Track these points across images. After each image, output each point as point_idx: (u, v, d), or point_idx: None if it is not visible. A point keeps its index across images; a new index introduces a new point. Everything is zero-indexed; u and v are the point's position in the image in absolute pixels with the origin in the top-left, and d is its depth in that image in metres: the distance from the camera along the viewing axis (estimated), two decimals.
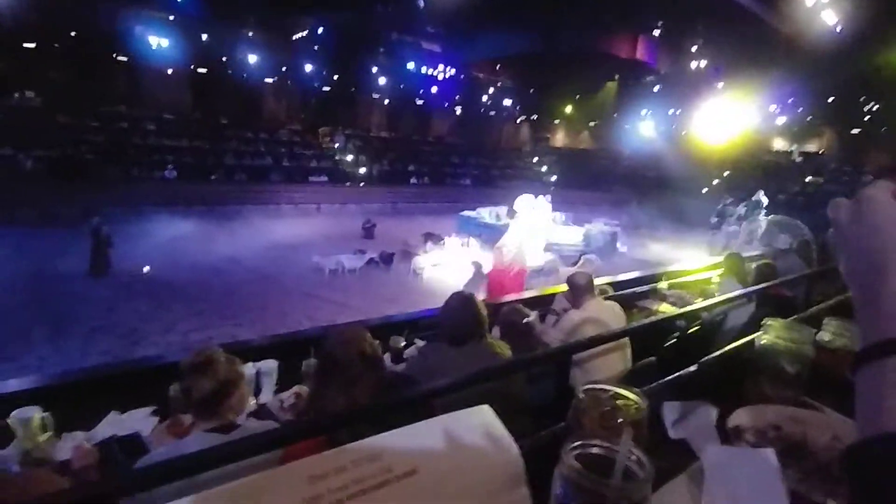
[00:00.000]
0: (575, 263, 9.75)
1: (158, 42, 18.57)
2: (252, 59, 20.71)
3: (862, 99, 23.04)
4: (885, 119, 22.38)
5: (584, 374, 2.89)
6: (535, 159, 31.92)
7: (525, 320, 3.10)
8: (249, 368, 2.40)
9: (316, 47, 21.54)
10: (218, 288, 9.42)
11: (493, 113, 30.64)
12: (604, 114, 30.60)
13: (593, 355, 2.82)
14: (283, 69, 22.33)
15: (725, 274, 4.54)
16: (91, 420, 2.18)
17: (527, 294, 4.91)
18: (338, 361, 1.73)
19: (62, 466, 1.83)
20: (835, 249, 0.50)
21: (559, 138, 35.26)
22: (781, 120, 24.93)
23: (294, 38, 21.44)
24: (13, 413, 1.95)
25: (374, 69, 23.76)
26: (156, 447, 1.88)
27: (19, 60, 17.77)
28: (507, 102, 29.84)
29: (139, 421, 2.21)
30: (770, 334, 0.95)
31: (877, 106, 23.02)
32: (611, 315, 3.23)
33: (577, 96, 30.63)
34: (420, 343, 3.08)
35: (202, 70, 21.35)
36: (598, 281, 3.63)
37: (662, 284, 4.90)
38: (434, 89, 25.91)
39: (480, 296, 6.19)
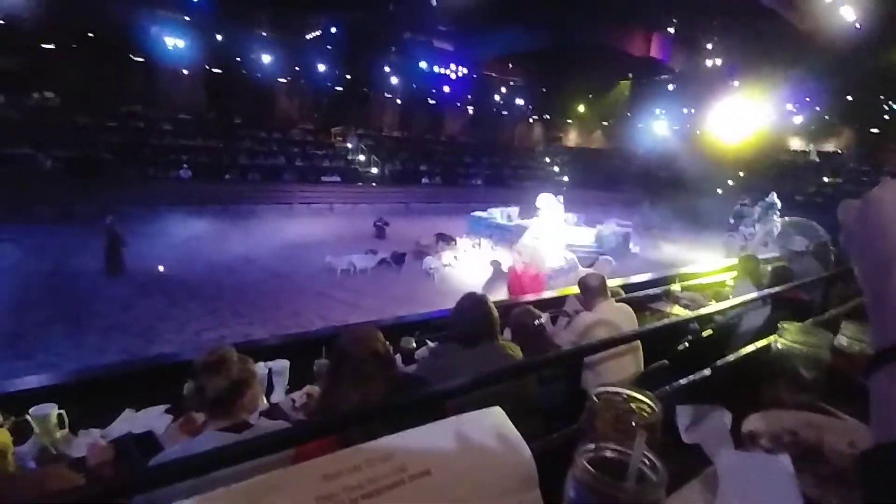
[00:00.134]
0: (591, 265, 9.72)
1: (174, 42, 18.83)
2: (266, 58, 20.91)
3: (881, 97, 22.62)
4: None
5: (596, 376, 2.87)
6: (548, 159, 31.79)
7: (536, 322, 3.08)
8: (261, 368, 2.42)
9: (329, 47, 21.67)
10: (231, 287, 9.51)
11: (505, 112, 30.58)
12: (617, 113, 30.39)
13: (605, 358, 2.81)
14: (297, 69, 22.50)
15: (740, 276, 4.49)
16: (106, 417, 2.21)
17: (538, 296, 4.90)
18: (350, 359, 1.74)
19: (77, 463, 1.86)
20: (846, 252, 0.49)
21: (572, 138, 35.09)
22: (798, 119, 24.55)
23: (307, 37, 21.59)
24: (31, 409, 1.98)
25: (387, 68, 23.84)
26: (169, 445, 1.90)
27: (38, 61, 18.13)
28: (520, 102, 29.78)
29: (154, 419, 2.24)
30: (786, 338, 0.94)
31: None
32: (623, 317, 3.20)
33: (590, 95, 30.45)
34: (431, 344, 3.08)
35: (217, 70, 21.60)
36: (610, 283, 3.61)
37: (675, 286, 4.86)
38: (446, 88, 25.93)
39: (501, 295, 6.23)
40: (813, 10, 14.00)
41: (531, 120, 32.95)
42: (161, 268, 10.19)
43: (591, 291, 3.26)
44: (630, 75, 27.05)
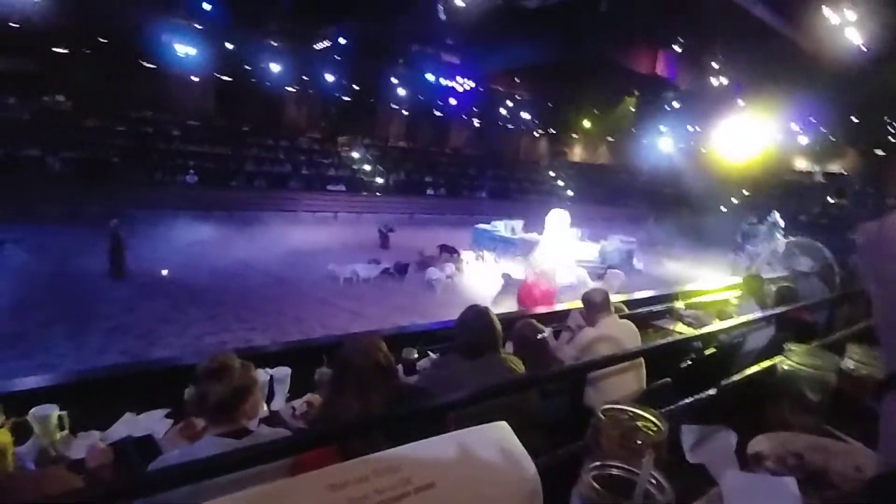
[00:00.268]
0: (600, 277, 9.76)
1: (185, 50, 19.03)
2: (275, 67, 21.10)
3: (887, 119, 22.66)
4: None
5: (598, 392, 2.85)
6: (552, 173, 31.87)
7: (539, 336, 3.08)
8: (263, 374, 2.42)
9: (337, 57, 21.87)
10: (235, 292, 9.53)
11: (510, 126, 30.72)
12: (622, 129, 30.49)
13: (607, 374, 2.79)
14: (305, 78, 22.70)
15: (745, 295, 4.47)
16: (107, 420, 2.21)
17: (541, 309, 4.89)
18: (353, 368, 1.74)
19: (77, 465, 1.85)
20: (860, 273, 0.49)
21: (577, 152, 35.19)
22: (803, 139, 24.58)
23: (316, 48, 21.80)
24: (32, 410, 1.98)
25: (394, 80, 24.03)
26: (168, 450, 1.89)
27: (51, 64, 18.37)
28: (526, 115, 29.91)
29: (154, 422, 2.24)
30: (792, 360, 0.94)
31: None
32: (626, 333, 3.19)
33: (596, 111, 30.58)
34: (433, 355, 3.07)
35: (226, 78, 21.80)
36: (613, 299, 3.60)
37: (679, 304, 4.84)
38: (453, 101, 26.08)
39: (510, 307, 6.25)
40: (819, 31, 14.05)
41: (536, 134, 33.08)
42: (165, 271, 10.22)
43: (595, 307, 3.25)
44: (636, 92, 27.14)
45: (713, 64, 20.39)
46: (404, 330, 3.81)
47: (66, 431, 2.03)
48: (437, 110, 27.61)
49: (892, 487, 0.37)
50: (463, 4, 14.90)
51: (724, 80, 20.64)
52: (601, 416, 0.57)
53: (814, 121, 22.91)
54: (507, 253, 14.05)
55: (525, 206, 23.16)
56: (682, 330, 4.27)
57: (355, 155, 24.64)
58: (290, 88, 23.14)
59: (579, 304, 3.50)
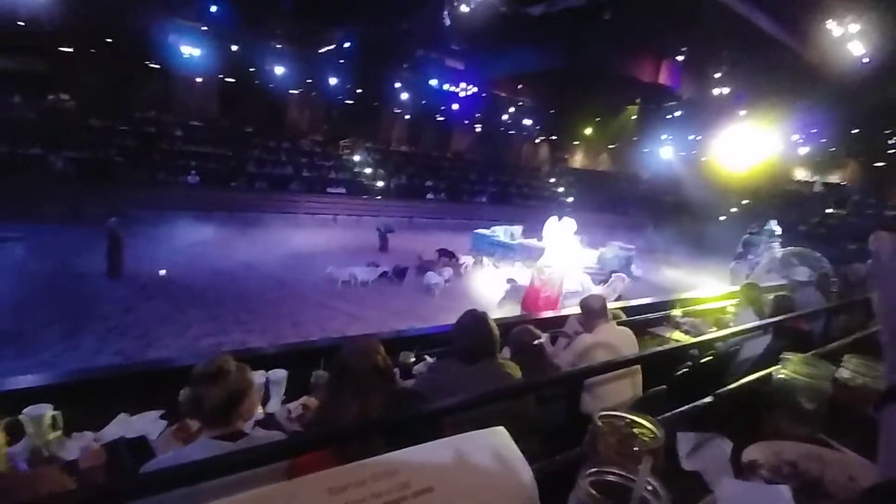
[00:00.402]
0: (604, 282, 9.79)
1: (190, 51, 19.11)
2: (279, 70, 21.18)
3: (887, 131, 22.74)
4: None
5: (594, 398, 2.85)
6: (553, 179, 31.94)
7: (536, 342, 3.07)
8: (259, 377, 2.41)
9: (341, 61, 21.96)
10: (233, 293, 9.52)
11: (512, 132, 30.82)
12: (624, 136, 30.60)
13: (604, 381, 2.79)
14: (309, 81, 22.79)
15: (742, 304, 4.47)
16: (100, 420, 2.19)
17: (539, 315, 4.88)
18: (351, 371, 1.73)
19: (70, 466, 1.84)
20: (869, 281, 0.49)
21: (578, 159, 35.29)
22: (804, 149, 24.68)
23: (321, 51, 21.89)
24: (26, 410, 1.97)
25: (398, 84, 24.13)
26: (162, 451, 1.88)
27: (56, 64, 18.43)
28: (527, 122, 30.02)
29: (148, 423, 2.22)
30: (788, 369, 0.94)
31: None
32: (623, 340, 3.19)
33: (598, 118, 30.70)
34: (430, 359, 3.07)
35: (230, 79, 21.89)
36: (611, 305, 3.60)
37: (676, 312, 4.84)
38: (455, 106, 26.18)
39: (515, 312, 6.29)
40: (821, 43, 14.13)
41: (538, 140, 33.18)
42: (163, 271, 10.22)
43: (592, 313, 3.25)
44: (638, 100, 27.29)
45: (715, 74, 20.51)
46: (402, 334, 3.81)
47: (59, 432, 2.02)
48: (439, 115, 27.70)
49: (891, 498, 0.37)
50: (468, 10, 14.97)
51: (726, 90, 20.75)
52: (598, 422, 0.57)
53: (814, 131, 22.99)
54: (506, 258, 14.05)
55: (525, 211, 23.19)
56: (679, 337, 4.27)
57: (357, 158, 24.69)
58: (293, 91, 23.22)
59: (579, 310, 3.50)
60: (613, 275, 10.00)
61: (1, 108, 16.67)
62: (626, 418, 0.58)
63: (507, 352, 3.02)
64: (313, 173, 22.58)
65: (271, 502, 0.43)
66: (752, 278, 7.02)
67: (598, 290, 8.99)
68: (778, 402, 0.93)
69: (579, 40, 17.98)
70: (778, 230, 14.69)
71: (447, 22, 15.43)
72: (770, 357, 2.46)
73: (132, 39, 18.05)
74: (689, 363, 3.20)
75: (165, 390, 2.27)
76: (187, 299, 8.90)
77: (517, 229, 15.54)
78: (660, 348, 3.12)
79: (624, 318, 3.83)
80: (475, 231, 16.01)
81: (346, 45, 21.10)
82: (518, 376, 2.34)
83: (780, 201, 24.50)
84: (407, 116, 27.56)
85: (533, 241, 13.92)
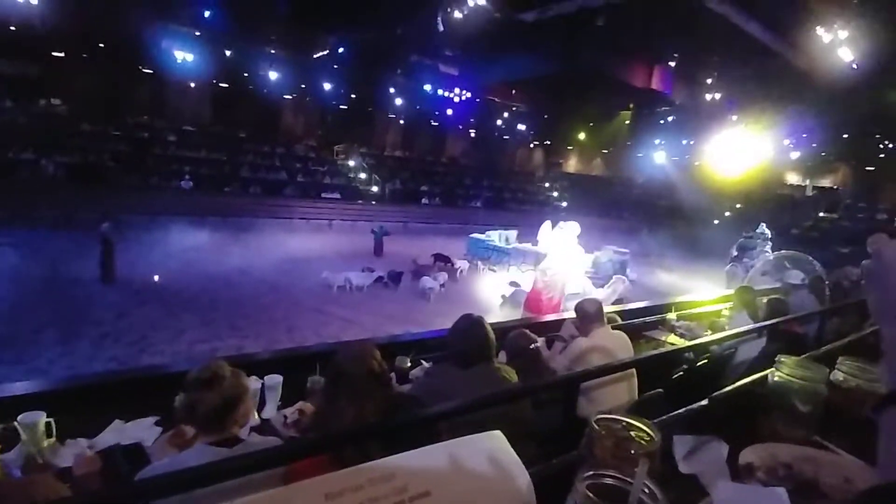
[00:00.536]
0: (605, 283, 9.88)
1: (183, 56, 19.08)
2: (273, 75, 21.18)
3: (877, 136, 22.99)
4: None
5: (589, 402, 2.85)
6: (547, 184, 32.06)
7: (532, 346, 3.07)
8: (254, 382, 2.40)
9: (335, 66, 21.99)
10: (227, 299, 9.48)
11: (507, 137, 30.93)
12: (617, 141, 30.78)
13: (599, 384, 2.79)
14: (303, 86, 22.80)
15: (736, 307, 4.49)
16: (95, 427, 2.18)
17: (535, 319, 4.89)
18: (346, 376, 1.73)
19: (64, 473, 1.83)
20: (866, 282, 0.49)
21: (572, 164, 35.44)
22: (795, 154, 24.91)
23: (314, 56, 21.91)
24: (20, 416, 1.95)
25: (392, 89, 24.18)
26: (157, 458, 1.87)
27: (49, 68, 18.35)
28: (521, 127, 30.14)
29: (143, 430, 2.21)
30: (783, 371, 0.95)
31: (892, 143, 22.95)
32: (618, 344, 3.19)
33: (591, 123, 30.88)
34: (426, 364, 3.07)
35: (224, 84, 21.87)
36: (607, 309, 3.61)
37: (671, 315, 4.86)
38: (449, 111, 26.25)
39: (517, 314, 6.33)
40: (812, 49, 14.29)
41: (532, 145, 33.32)
42: (157, 277, 10.16)
43: (588, 317, 3.25)
44: (631, 105, 27.47)
45: (707, 79, 20.70)
46: (398, 338, 3.80)
47: (53, 439, 2.00)
48: (433, 120, 27.77)
49: (890, 500, 0.37)
50: (461, 16, 15.04)
51: (718, 96, 20.94)
52: (595, 425, 0.57)
53: (806, 136, 23.22)
54: (502, 262, 14.08)
55: (520, 216, 23.25)
56: (674, 341, 4.29)
57: (351, 163, 24.69)
58: (287, 96, 23.24)
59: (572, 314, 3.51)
60: (614, 277, 10.11)
61: None
62: (623, 421, 0.59)
63: (503, 356, 3.01)
64: (308, 178, 22.55)
65: None
66: (748, 281, 7.07)
67: (598, 292, 9.05)
68: (773, 404, 0.94)
69: (572, 46, 18.11)
70: (769, 233, 14.81)
71: (441, 28, 15.50)
72: (765, 360, 2.47)
73: (125, 44, 18.02)
74: (685, 366, 3.22)
75: (160, 396, 2.26)
76: (181, 305, 8.86)
77: (512, 233, 15.58)
78: (655, 352, 3.13)
79: (619, 321, 3.85)
80: (470, 235, 16.04)
81: (340, 50, 21.14)
82: (514, 380, 2.34)
83: (772, 205, 24.70)
84: (401, 121, 27.62)
85: (528, 246, 13.96)
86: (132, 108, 19.94)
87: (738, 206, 25.21)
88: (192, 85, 20.91)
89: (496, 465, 0.52)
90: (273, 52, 20.97)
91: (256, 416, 2.42)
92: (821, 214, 24.33)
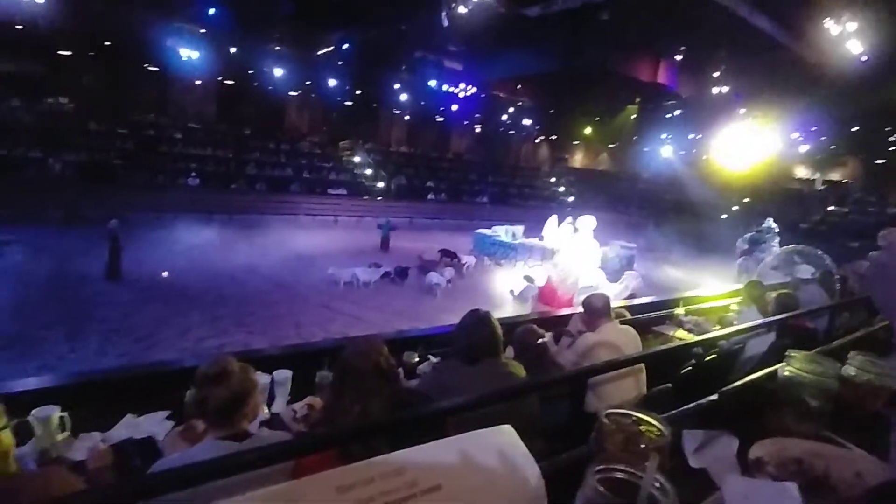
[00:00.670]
0: (618, 279, 9.90)
1: (188, 54, 19.11)
2: (277, 72, 21.19)
3: (887, 129, 22.73)
4: None
5: (598, 397, 2.85)
6: (553, 179, 31.94)
7: (539, 341, 3.07)
8: (263, 377, 2.42)
9: (340, 62, 21.97)
10: (234, 296, 9.52)
11: (512, 132, 30.81)
12: (623, 136, 30.59)
13: (607, 379, 2.79)
14: (307, 83, 22.79)
15: (745, 302, 4.47)
16: (107, 421, 2.20)
17: (543, 314, 4.89)
18: (354, 371, 1.74)
19: (77, 466, 1.85)
20: (873, 274, 0.49)
21: (578, 159, 35.29)
22: (804, 147, 24.66)
23: (319, 53, 21.90)
24: (34, 411, 1.98)
25: (397, 85, 24.13)
26: (169, 452, 1.89)
27: (55, 67, 18.44)
28: (527, 122, 30.00)
29: (155, 424, 2.23)
30: (793, 366, 0.94)
31: None
32: (626, 339, 3.19)
33: (597, 118, 30.70)
34: (433, 359, 3.07)
35: (229, 82, 21.91)
36: (614, 304, 3.60)
37: (679, 310, 4.84)
38: (454, 107, 26.18)
39: (530, 308, 6.37)
40: (820, 42, 14.12)
41: (538, 140, 33.18)
42: (165, 274, 10.22)
43: (595, 312, 3.25)
44: (637, 100, 27.28)
45: (714, 73, 20.51)
46: (405, 334, 3.81)
47: (67, 433, 2.03)
48: (438, 116, 27.70)
49: None
50: (465, 12, 14.98)
51: (725, 89, 20.74)
52: (605, 420, 0.58)
53: (814, 129, 22.98)
54: (508, 258, 14.06)
55: (525, 211, 23.18)
56: (682, 336, 4.27)
57: (357, 159, 24.70)
58: (292, 93, 23.23)
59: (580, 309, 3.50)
60: (626, 272, 10.14)
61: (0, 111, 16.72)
62: (633, 416, 0.59)
63: (510, 351, 3.02)
64: (313, 175, 22.59)
65: (280, 501, 0.44)
66: (758, 276, 7.03)
67: (611, 287, 9.05)
68: (783, 399, 0.93)
69: (577, 41, 18.00)
70: (776, 228, 14.70)
71: (445, 23, 15.44)
72: (774, 355, 2.46)
73: (130, 42, 18.07)
74: (693, 362, 3.21)
75: (171, 391, 2.29)
76: (188, 301, 8.91)
77: (518, 229, 15.56)
78: (663, 347, 3.12)
79: (627, 316, 3.84)
80: (476, 231, 16.03)
81: (345, 46, 21.10)
82: (522, 375, 2.34)
83: (780, 199, 24.50)
84: (406, 117, 27.57)
85: (534, 241, 13.93)
86: (138, 106, 20.02)
87: (745, 200, 25.02)
88: (198, 82, 20.97)
89: (506, 459, 0.52)
90: (277, 49, 20.97)
91: (266, 410, 2.44)
92: (830, 208, 24.10)
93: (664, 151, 27.65)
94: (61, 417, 2.00)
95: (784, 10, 14.40)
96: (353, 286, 10.53)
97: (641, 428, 0.57)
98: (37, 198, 13.87)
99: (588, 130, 31.95)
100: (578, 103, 27.55)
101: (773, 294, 4.13)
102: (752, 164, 21.14)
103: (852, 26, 13.23)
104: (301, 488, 0.45)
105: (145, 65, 19.78)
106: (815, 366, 0.93)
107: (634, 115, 28.82)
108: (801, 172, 27.78)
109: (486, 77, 24.69)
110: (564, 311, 4.55)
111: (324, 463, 1.28)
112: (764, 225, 14.83)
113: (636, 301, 5.35)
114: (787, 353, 0.97)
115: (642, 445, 0.55)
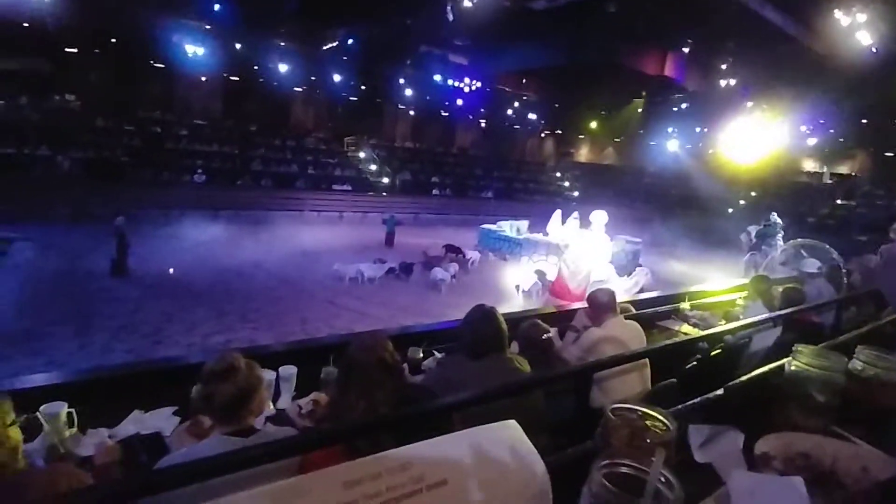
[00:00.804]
0: (628, 274, 9.92)
1: (194, 50, 19.15)
2: (283, 68, 21.20)
3: None
4: None
5: (603, 392, 2.85)
6: (559, 174, 31.82)
7: (544, 336, 3.07)
8: (269, 373, 2.43)
9: (345, 58, 21.94)
10: (240, 292, 9.57)
11: (517, 126, 30.69)
12: (629, 130, 30.40)
13: (612, 374, 2.78)
14: (313, 79, 22.81)
15: (751, 297, 4.45)
16: (115, 417, 2.22)
17: (547, 309, 4.88)
18: (359, 367, 1.74)
19: (85, 462, 1.87)
20: (884, 267, 0.49)
21: (583, 153, 35.13)
22: (812, 140, 24.43)
23: (324, 48, 21.88)
24: (42, 407, 2.00)
25: (401, 80, 24.08)
26: (176, 447, 1.91)
27: (61, 64, 18.53)
28: (532, 116, 29.87)
29: (162, 420, 2.25)
30: (800, 361, 0.94)
31: None
32: (631, 334, 3.18)
33: (603, 112, 30.53)
34: (438, 355, 3.08)
35: (234, 78, 21.95)
36: (620, 299, 3.59)
37: (685, 305, 4.83)
38: (459, 101, 26.09)
39: (540, 303, 6.44)
40: (829, 33, 13.96)
41: (543, 134, 33.05)
42: (171, 270, 10.29)
43: (601, 307, 3.24)
44: (643, 93, 27.08)
45: (722, 66, 20.33)
46: (409, 330, 3.82)
47: (74, 429, 2.05)
48: (443, 111, 27.63)
49: None
50: (471, 6, 14.92)
51: (733, 82, 20.56)
52: (611, 415, 0.58)
53: (823, 122, 22.76)
54: (513, 253, 14.04)
55: (531, 206, 23.13)
56: (687, 331, 4.26)
57: (362, 155, 24.70)
58: (297, 89, 23.26)
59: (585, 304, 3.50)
60: (637, 268, 10.17)
61: (7, 109, 16.82)
62: (639, 411, 0.59)
63: (515, 346, 3.02)
64: (318, 171, 22.62)
65: (288, 496, 0.44)
66: (766, 270, 7.00)
67: (621, 282, 9.06)
68: (790, 394, 0.93)
69: (583, 34, 17.90)
70: (780, 222, 14.60)
71: (450, 17, 15.40)
72: (780, 350, 2.45)
73: (136, 39, 18.13)
74: (698, 356, 3.19)
75: (178, 387, 2.30)
76: (194, 298, 8.96)
77: (523, 224, 15.53)
78: (668, 342, 3.11)
79: (633, 311, 3.83)
80: (481, 226, 16.01)
81: (350, 42, 21.07)
82: (527, 371, 2.34)
83: (788, 193, 24.32)
84: (411, 112, 27.53)
85: (539, 236, 13.91)
86: (144, 103, 20.11)
87: (752, 194, 24.84)
88: (203, 79, 21.02)
89: (512, 454, 0.52)
90: (282, 44, 20.97)
91: (272, 406, 2.46)
92: (838, 202, 23.88)
93: (670, 145, 27.48)
94: (69, 414, 2.02)
95: (793, 1, 14.24)
96: (357, 282, 10.56)
97: (647, 423, 0.57)
98: (44, 195, 13.97)
99: (594, 124, 31.78)
100: (584, 97, 27.39)
101: (780, 288, 4.10)
102: (759, 158, 20.99)
103: (862, 17, 13.07)
104: (307, 483, 0.45)
105: (151, 62, 19.85)
106: (821, 360, 0.92)
107: (641, 109, 28.61)
108: (809, 166, 27.54)
109: (491, 71, 24.59)
110: (575, 306, 4.54)
111: (330, 458, 1.29)
112: (770, 219, 14.76)
113: (641, 296, 5.33)
114: (794, 348, 0.97)
115: (648, 440, 0.54)
